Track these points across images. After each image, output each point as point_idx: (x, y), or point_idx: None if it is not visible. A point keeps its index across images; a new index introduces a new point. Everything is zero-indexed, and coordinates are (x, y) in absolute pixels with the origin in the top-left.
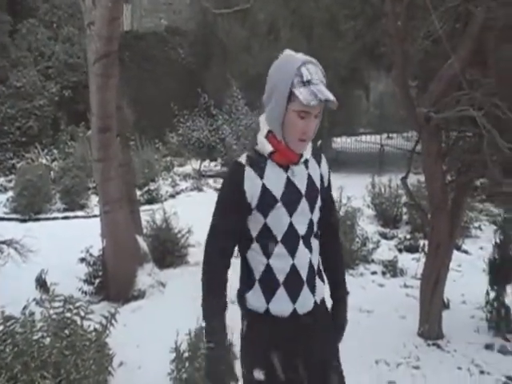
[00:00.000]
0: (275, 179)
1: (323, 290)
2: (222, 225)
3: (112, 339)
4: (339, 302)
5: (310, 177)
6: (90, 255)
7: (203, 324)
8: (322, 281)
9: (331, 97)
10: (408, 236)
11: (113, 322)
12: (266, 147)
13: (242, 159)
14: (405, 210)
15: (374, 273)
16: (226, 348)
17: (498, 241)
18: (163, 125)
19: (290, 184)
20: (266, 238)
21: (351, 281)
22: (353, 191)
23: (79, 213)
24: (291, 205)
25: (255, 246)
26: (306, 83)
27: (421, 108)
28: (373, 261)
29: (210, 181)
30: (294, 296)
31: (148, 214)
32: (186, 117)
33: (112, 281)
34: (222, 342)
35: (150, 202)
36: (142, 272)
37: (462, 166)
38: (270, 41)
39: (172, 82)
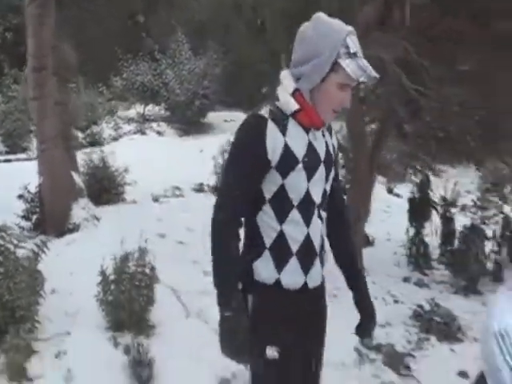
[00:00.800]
0: (298, 139)
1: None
2: (240, 183)
3: (45, 268)
4: (360, 277)
5: (327, 144)
6: (28, 192)
7: (218, 292)
8: (326, 253)
9: (376, 74)
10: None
11: (46, 251)
12: (290, 104)
13: (264, 112)
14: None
15: None
16: (244, 315)
17: (418, 181)
18: (107, 68)
19: (311, 147)
20: (281, 201)
21: None
22: None
23: (21, 155)
24: (311, 169)
25: (267, 208)
26: (353, 55)
27: None
28: None
29: (154, 124)
30: (306, 268)
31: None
32: (130, 61)
33: (48, 215)
34: (241, 309)
35: (93, 144)
36: (77, 206)
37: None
38: None
39: (116, 24)
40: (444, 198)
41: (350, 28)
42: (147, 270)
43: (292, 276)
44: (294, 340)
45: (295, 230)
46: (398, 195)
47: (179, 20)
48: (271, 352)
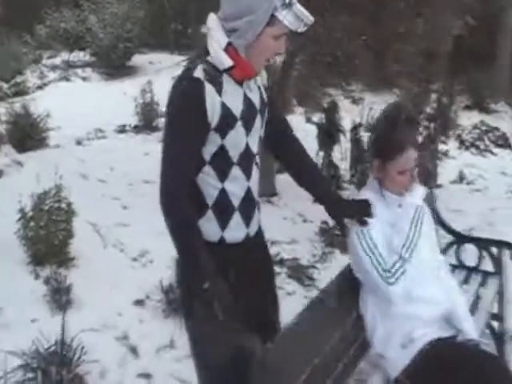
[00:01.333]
0: (234, 96)
1: None
2: (184, 150)
3: None
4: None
5: (259, 89)
6: None
7: (188, 265)
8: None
9: (312, 17)
10: None
11: None
12: (224, 61)
13: (199, 73)
14: None
15: None
16: (219, 278)
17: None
18: (30, 17)
19: (246, 100)
20: (221, 160)
21: None
22: None
23: None
24: (249, 123)
25: (208, 169)
26: (288, 5)
27: None
28: None
29: (79, 71)
30: (247, 220)
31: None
32: (54, 8)
33: None
34: (215, 272)
35: (18, 94)
36: (0, 153)
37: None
38: None
39: None
40: (353, 122)
41: None
42: (64, 205)
43: (235, 231)
44: (241, 293)
45: (236, 186)
46: (316, 124)
47: None
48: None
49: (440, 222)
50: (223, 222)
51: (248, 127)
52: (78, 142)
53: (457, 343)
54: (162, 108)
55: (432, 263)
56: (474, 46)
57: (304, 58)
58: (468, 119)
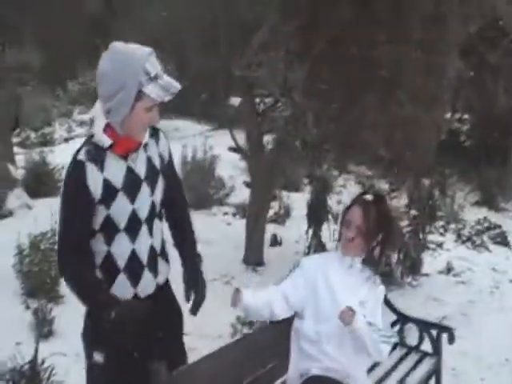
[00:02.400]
0: (115, 170)
1: (167, 270)
2: (71, 225)
3: None
4: (190, 263)
5: (149, 159)
6: None
7: (93, 308)
8: (167, 261)
9: (178, 85)
10: None
11: None
12: (104, 141)
13: (82, 156)
14: None
15: (225, 213)
16: (120, 303)
17: (314, 187)
18: (65, 73)
19: (129, 172)
20: (108, 227)
21: (203, 219)
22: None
23: None
24: (132, 192)
25: (98, 235)
26: (154, 78)
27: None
28: (227, 203)
29: None
30: (134, 280)
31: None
32: (87, 66)
33: None
34: (115, 301)
35: (45, 144)
36: (12, 196)
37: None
38: None
39: (78, 31)
40: (339, 202)
41: (147, 50)
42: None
43: (121, 289)
44: (123, 346)
45: (121, 249)
46: None
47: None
48: (97, 357)
49: (386, 301)
50: (109, 281)
51: (132, 195)
52: None
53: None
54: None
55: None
56: (486, 141)
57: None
58: (474, 215)
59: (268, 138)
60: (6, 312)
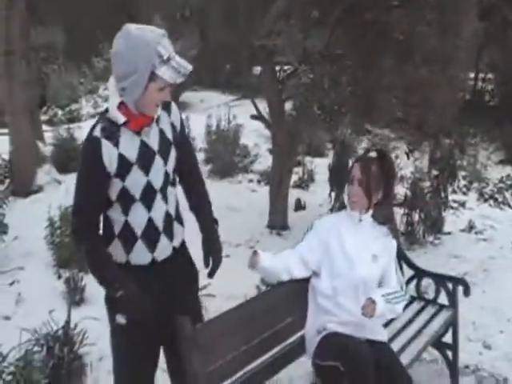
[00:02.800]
0: (129, 145)
1: (182, 233)
2: (87, 198)
3: (12, 220)
4: (208, 229)
5: (161, 132)
6: (2, 159)
7: (100, 282)
8: (182, 224)
9: (190, 66)
10: None
11: (11, 208)
12: (118, 118)
13: (97, 132)
14: None
15: (250, 181)
16: (128, 283)
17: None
18: (89, 49)
19: (143, 146)
20: (125, 198)
21: (228, 187)
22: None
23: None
24: (146, 165)
25: (116, 205)
26: (166, 61)
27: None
28: (251, 171)
29: None
30: (152, 246)
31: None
32: (111, 42)
33: (16, 178)
34: (124, 280)
35: (72, 120)
36: (42, 172)
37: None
38: None
39: (103, 8)
40: None
41: (160, 32)
42: None
43: (139, 255)
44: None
45: (138, 218)
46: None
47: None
48: (120, 319)
49: (403, 257)
50: (127, 248)
51: (146, 168)
52: None
53: (347, 337)
54: (197, 143)
55: (365, 280)
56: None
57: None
58: (498, 174)
59: (289, 105)
60: (39, 282)
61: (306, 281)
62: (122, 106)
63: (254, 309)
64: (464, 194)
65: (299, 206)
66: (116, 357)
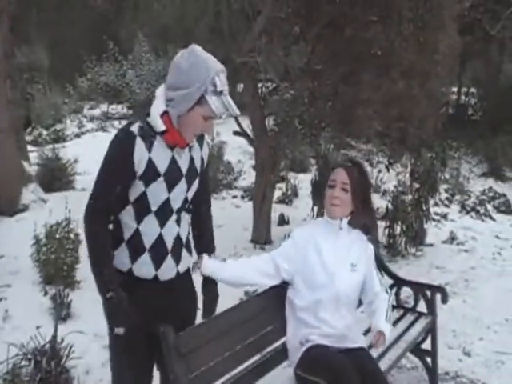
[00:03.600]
0: (161, 155)
1: (189, 261)
2: (106, 189)
3: None
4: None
5: (192, 160)
6: None
7: (95, 277)
8: (190, 253)
9: (238, 111)
10: None
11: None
12: (158, 125)
13: (134, 128)
14: None
15: (234, 197)
16: (122, 292)
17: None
18: (74, 70)
19: (173, 163)
20: (141, 205)
21: (213, 203)
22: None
23: None
24: (171, 182)
25: (129, 208)
26: (219, 93)
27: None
28: (235, 187)
29: (116, 122)
30: (157, 263)
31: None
32: (95, 62)
33: (2, 198)
34: (118, 286)
35: (56, 140)
36: (27, 191)
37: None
38: None
39: (87, 28)
40: None
41: (221, 67)
42: (72, 236)
43: (143, 268)
44: (141, 320)
45: (149, 230)
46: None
47: (143, 23)
48: (117, 329)
49: (382, 266)
50: (133, 257)
51: (170, 185)
52: None
53: (329, 350)
54: None
55: (346, 292)
56: (493, 113)
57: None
58: (481, 186)
59: (271, 121)
60: (26, 299)
61: (285, 290)
62: (165, 115)
63: (236, 317)
64: (446, 206)
65: (283, 220)
66: (115, 366)
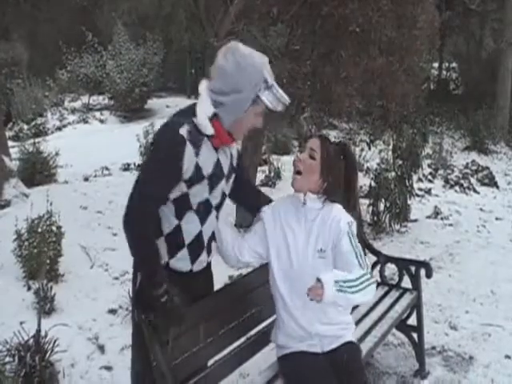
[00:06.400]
0: (208, 159)
1: (215, 250)
2: (157, 190)
3: None
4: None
5: (231, 156)
6: None
7: (144, 274)
8: (215, 241)
9: (288, 98)
10: None
11: None
12: (207, 128)
13: (184, 132)
14: None
15: None
16: (171, 287)
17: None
18: (54, 63)
19: (218, 165)
20: (182, 203)
21: None
22: None
23: None
24: (214, 183)
25: (170, 205)
26: (271, 87)
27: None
28: None
29: (97, 113)
30: (194, 258)
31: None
32: (74, 54)
33: None
34: (166, 281)
35: (38, 135)
36: (8, 185)
37: None
38: None
39: (65, 20)
40: None
41: (266, 58)
42: (54, 229)
43: (181, 262)
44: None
45: (190, 227)
46: None
47: (122, 12)
48: (150, 315)
49: (365, 243)
50: (172, 252)
51: (212, 186)
52: (86, 179)
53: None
54: None
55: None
56: (474, 87)
57: None
58: (464, 160)
59: None
60: (8, 295)
61: (267, 273)
62: (214, 118)
63: (218, 301)
64: (430, 181)
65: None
66: (137, 353)
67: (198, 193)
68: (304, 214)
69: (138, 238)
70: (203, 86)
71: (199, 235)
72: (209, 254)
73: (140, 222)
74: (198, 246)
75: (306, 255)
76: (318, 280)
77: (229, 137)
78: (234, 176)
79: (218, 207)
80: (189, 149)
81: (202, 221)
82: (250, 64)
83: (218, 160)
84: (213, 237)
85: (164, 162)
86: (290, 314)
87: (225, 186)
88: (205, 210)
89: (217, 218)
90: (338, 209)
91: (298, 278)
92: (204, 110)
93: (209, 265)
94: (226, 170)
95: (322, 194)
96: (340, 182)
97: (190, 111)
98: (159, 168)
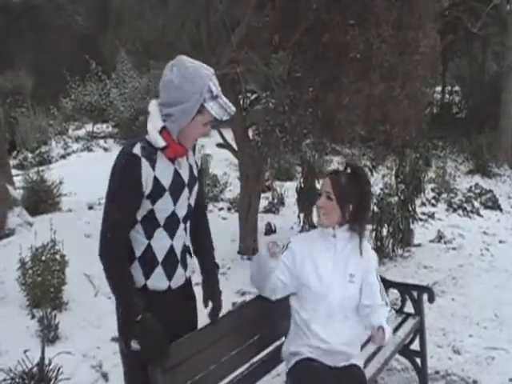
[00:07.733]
0: (165, 171)
1: (192, 264)
2: (123, 214)
3: None
4: (210, 273)
5: (190, 167)
6: None
7: (124, 306)
8: (191, 256)
9: (234, 108)
10: None
11: None
12: (158, 141)
13: (137, 150)
14: None
15: (221, 209)
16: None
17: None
18: (58, 91)
19: (176, 175)
20: (150, 221)
21: None
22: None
23: None
24: (176, 194)
25: (138, 227)
26: (215, 97)
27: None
28: (222, 199)
29: (101, 141)
30: (169, 274)
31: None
32: (78, 82)
33: None
34: (143, 309)
35: (42, 163)
36: (13, 214)
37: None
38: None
39: (68, 49)
40: None
41: (211, 70)
42: (58, 257)
43: (157, 281)
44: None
45: (161, 244)
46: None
47: (126, 40)
48: (135, 345)
49: None
50: (147, 273)
51: (175, 197)
52: (90, 207)
53: (317, 365)
54: None
55: (342, 304)
56: (477, 110)
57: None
58: (467, 183)
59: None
60: (13, 323)
61: (270, 300)
62: (164, 131)
63: (222, 328)
64: (433, 205)
65: (270, 229)
66: (128, 381)
67: (163, 207)
68: (334, 244)
69: (113, 270)
70: (152, 103)
71: (171, 250)
72: (185, 269)
73: (113, 253)
74: (171, 262)
75: (335, 277)
76: (379, 327)
77: (180, 147)
78: (197, 187)
79: (185, 219)
80: (145, 164)
81: (172, 235)
82: (194, 75)
83: (176, 170)
84: (185, 250)
85: (123, 183)
86: (312, 332)
87: (188, 195)
88: (173, 224)
89: (185, 230)
90: (365, 242)
91: (326, 300)
92: (154, 124)
93: (188, 282)
94: (186, 179)
95: (347, 222)
96: (352, 207)
97: (143, 132)
98: (120, 192)
